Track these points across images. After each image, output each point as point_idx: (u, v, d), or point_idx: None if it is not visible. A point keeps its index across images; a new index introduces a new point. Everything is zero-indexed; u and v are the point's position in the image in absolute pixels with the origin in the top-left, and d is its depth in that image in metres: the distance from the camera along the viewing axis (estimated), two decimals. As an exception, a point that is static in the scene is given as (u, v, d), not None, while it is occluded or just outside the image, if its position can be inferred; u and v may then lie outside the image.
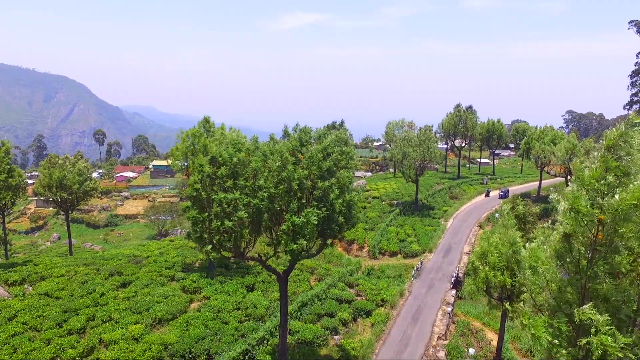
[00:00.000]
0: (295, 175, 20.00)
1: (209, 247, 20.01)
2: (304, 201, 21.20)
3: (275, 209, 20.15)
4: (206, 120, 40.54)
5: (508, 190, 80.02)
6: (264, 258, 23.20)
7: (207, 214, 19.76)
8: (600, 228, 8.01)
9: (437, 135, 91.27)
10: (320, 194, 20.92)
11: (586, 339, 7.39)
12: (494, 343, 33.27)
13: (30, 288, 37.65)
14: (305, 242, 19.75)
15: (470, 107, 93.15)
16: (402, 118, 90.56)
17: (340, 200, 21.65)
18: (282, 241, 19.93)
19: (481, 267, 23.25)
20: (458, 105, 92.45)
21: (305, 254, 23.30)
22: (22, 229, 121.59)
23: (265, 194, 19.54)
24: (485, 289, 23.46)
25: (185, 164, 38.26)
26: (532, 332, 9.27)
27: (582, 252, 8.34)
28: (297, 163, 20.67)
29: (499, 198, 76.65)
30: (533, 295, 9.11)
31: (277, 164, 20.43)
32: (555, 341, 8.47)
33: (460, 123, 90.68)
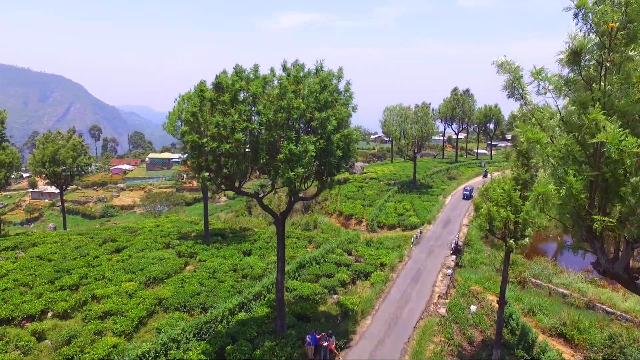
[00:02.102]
0: (294, 104, 19.41)
1: (206, 174, 19.38)
2: (302, 133, 20.61)
3: (273, 137, 19.51)
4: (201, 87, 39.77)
5: (473, 189, 62.31)
6: (260, 195, 22.58)
7: (205, 139, 19.09)
8: (612, 37, 7.40)
9: (435, 112, 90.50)
10: (318, 124, 20.32)
11: (598, 138, 6.74)
12: (495, 304, 32.66)
13: (23, 253, 36.88)
14: (302, 170, 19.12)
15: (468, 90, 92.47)
16: (400, 103, 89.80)
17: (338, 135, 21.08)
18: (280, 170, 19.29)
19: (484, 203, 22.67)
20: (455, 89, 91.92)
21: (303, 193, 22.72)
22: (17, 221, 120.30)
23: (264, 119, 18.93)
24: (488, 227, 22.84)
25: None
26: (539, 189, 8.54)
27: (594, 69, 7.74)
28: (296, 93, 20.07)
29: (463, 199, 62.42)
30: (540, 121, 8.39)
31: (276, 91, 19.85)
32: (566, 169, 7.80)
33: (458, 107, 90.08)
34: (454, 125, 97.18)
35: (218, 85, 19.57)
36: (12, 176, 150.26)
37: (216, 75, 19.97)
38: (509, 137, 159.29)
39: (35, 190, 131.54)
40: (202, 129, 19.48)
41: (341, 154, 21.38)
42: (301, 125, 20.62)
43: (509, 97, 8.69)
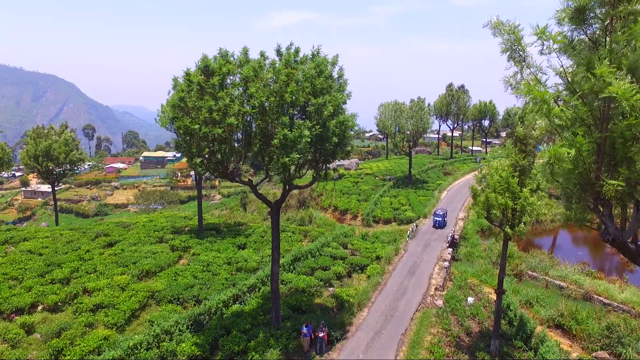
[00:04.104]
0: (288, 88, 18.97)
1: (198, 160, 18.90)
2: (296, 119, 20.21)
3: (267, 121, 19.06)
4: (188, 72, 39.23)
5: (446, 214, 48.71)
6: (254, 182, 22.15)
7: (197, 125, 18.57)
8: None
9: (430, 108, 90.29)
10: (313, 110, 19.91)
11: (609, 91, 6.37)
12: (492, 296, 32.45)
13: (13, 248, 36.21)
14: (297, 155, 18.72)
15: (462, 86, 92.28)
16: (395, 99, 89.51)
17: (334, 121, 20.70)
18: (274, 156, 18.85)
19: (481, 190, 22.35)
20: (450, 85, 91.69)
21: (297, 179, 22.33)
22: (9, 220, 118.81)
23: (256, 102, 18.47)
24: (485, 215, 22.51)
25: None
26: (552, 152, 8.11)
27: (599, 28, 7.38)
28: (289, 77, 19.62)
29: (434, 226, 47.32)
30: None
31: (269, 75, 19.41)
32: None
33: (453, 102, 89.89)
34: (449, 122, 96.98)
35: (206, 69, 19.08)
36: (4, 175, 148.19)
37: (201, 59, 19.48)
38: (503, 134, 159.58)
39: (28, 189, 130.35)
40: (192, 114, 18.98)
41: (337, 140, 21.02)
42: (295, 111, 20.19)
43: (509, 60, 8.30)
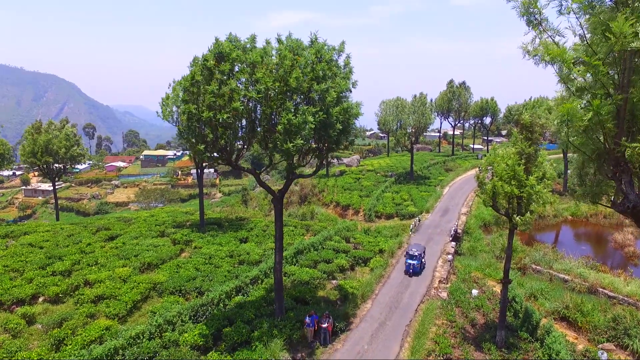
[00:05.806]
0: (292, 73, 18.76)
1: (202, 146, 18.65)
2: (300, 105, 19.98)
3: (272, 107, 18.82)
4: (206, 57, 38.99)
5: (424, 253, 33.57)
6: (258, 171, 21.92)
7: (203, 109, 18.31)
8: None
9: (431, 104, 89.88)
10: (317, 96, 19.69)
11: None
12: (496, 289, 32.24)
13: (13, 241, 35.97)
14: (301, 141, 18.48)
15: (464, 83, 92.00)
16: (397, 96, 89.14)
17: (337, 108, 20.47)
18: (278, 142, 18.62)
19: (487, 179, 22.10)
20: (451, 81, 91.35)
21: (301, 169, 22.09)
22: (10, 218, 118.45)
23: (262, 87, 18.24)
24: (492, 203, 22.25)
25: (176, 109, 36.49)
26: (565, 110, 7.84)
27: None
28: (294, 62, 19.42)
29: (406, 273, 32.24)
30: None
31: (275, 61, 19.22)
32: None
33: (454, 99, 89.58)
34: (450, 119, 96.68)
35: (220, 55, 18.83)
36: (5, 173, 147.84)
37: (214, 43, 19.21)
38: (504, 132, 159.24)
39: (28, 187, 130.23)
40: (199, 99, 18.78)
41: (341, 127, 20.78)
42: (299, 98, 19.99)
43: (527, 25, 8.05)
